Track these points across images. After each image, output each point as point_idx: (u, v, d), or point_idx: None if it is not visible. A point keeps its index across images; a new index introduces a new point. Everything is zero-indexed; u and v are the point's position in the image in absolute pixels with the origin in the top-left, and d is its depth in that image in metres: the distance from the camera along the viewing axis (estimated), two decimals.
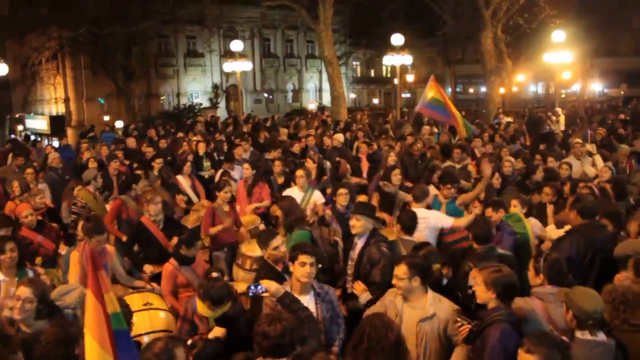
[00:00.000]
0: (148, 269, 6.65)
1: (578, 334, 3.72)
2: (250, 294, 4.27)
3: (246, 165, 9.27)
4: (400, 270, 4.41)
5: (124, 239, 7.44)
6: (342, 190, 7.45)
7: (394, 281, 4.49)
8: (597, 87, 47.81)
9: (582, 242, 5.41)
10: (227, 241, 7.67)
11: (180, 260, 5.91)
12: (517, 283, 4.11)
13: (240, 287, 5.33)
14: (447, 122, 13.94)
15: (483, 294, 4.05)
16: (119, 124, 28.72)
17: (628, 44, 43.05)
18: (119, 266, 6.33)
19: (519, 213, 6.49)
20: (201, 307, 4.57)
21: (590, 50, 34.17)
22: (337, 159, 10.71)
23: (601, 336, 3.67)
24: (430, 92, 12.83)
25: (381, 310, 4.50)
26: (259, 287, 4.22)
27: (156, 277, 6.50)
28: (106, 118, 36.84)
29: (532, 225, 6.48)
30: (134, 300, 5.27)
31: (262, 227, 8.01)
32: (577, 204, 5.72)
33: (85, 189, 8.73)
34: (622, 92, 41.63)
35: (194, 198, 9.62)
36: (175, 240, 6.83)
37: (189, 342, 4.07)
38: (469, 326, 4.07)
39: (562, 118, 20.39)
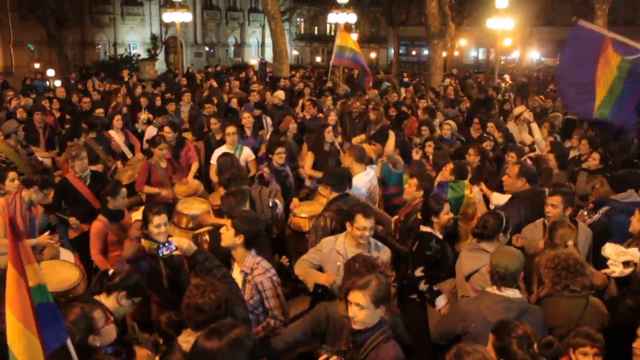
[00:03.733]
0: (73, 220, 6.44)
1: (488, 288, 3.92)
2: (161, 253, 3.97)
3: (166, 129, 8.45)
4: (367, 222, 4.62)
5: None
6: (279, 150, 7.32)
7: (365, 232, 4.65)
8: (534, 55, 48.90)
9: (527, 208, 5.50)
10: (162, 199, 7.40)
11: (109, 215, 5.68)
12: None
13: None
14: (360, 68, 14.26)
15: (369, 318, 3.37)
16: (51, 73, 27.35)
17: (566, 14, 44.06)
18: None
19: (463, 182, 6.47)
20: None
21: (530, 18, 34.77)
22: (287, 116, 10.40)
23: (509, 293, 3.79)
24: (339, 41, 13.01)
25: (317, 260, 4.82)
26: (171, 244, 3.93)
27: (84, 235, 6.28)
28: (37, 66, 34.95)
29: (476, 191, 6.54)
30: None
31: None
32: (525, 171, 5.77)
33: (6, 142, 8.25)
34: (557, 62, 42.73)
35: (128, 154, 9.22)
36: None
37: (111, 271, 3.88)
38: (336, 357, 3.41)
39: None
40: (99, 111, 10.39)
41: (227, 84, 15.66)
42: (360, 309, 3.34)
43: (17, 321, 2.45)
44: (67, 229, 6.68)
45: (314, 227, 5.58)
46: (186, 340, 3.27)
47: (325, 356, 3.38)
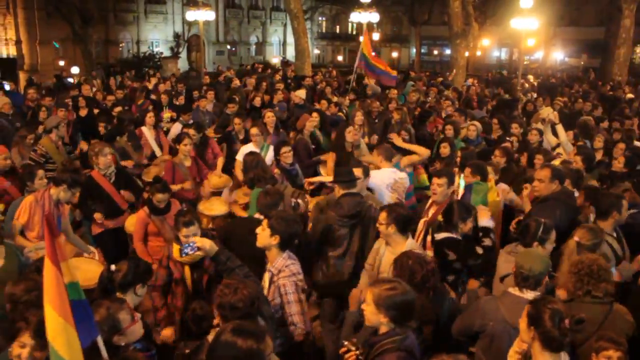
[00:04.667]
0: (98, 216, 6.58)
1: (510, 289, 3.95)
2: (184, 254, 4.03)
3: (191, 131, 8.38)
4: (381, 216, 4.77)
5: None
6: (285, 149, 7.36)
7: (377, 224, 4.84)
8: (558, 55, 48.33)
9: (562, 209, 5.46)
10: (187, 197, 7.49)
11: (152, 208, 5.93)
12: (414, 302, 3.46)
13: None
14: (377, 77, 14.06)
15: (372, 316, 3.40)
16: (75, 70, 27.74)
17: (591, 15, 43.58)
18: (70, 226, 6.30)
19: (487, 184, 6.44)
20: (176, 252, 4.58)
21: (555, 18, 34.41)
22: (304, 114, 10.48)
23: (530, 295, 3.77)
24: (362, 44, 13.04)
25: (373, 255, 5.03)
26: (193, 245, 3.96)
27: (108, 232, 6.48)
28: (61, 63, 35.44)
29: (502, 190, 6.52)
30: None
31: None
32: (557, 172, 5.75)
33: (47, 137, 8.37)
34: (582, 62, 42.20)
35: (158, 152, 9.30)
36: (127, 196, 6.80)
37: (113, 267, 3.97)
38: (356, 353, 3.46)
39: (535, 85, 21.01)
40: (118, 109, 10.54)
41: (264, 82, 15.66)
42: (366, 305, 3.42)
43: (58, 316, 2.51)
44: (91, 225, 6.82)
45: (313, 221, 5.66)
46: None
47: (345, 349, 3.47)
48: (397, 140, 7.92)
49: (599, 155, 8.36)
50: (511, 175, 7.43)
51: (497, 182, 6.74)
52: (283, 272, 4.24)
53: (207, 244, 3.99)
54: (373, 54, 13.54)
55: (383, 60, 13.59)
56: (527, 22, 20.09)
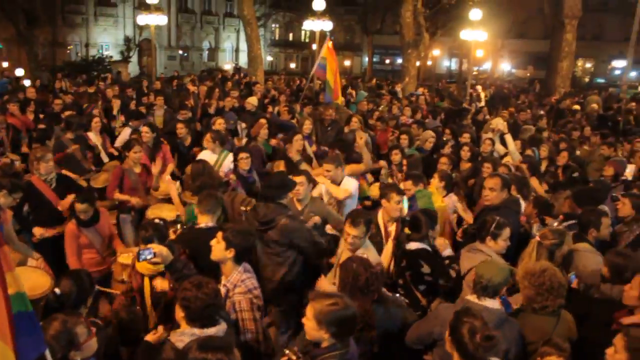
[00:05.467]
0: (38, 231, 6.35)
1: (469, 296, 3.98)
2: (141, 259, 3.99)
3: (145, 129, 8.34)
4: (360, 229, 4.68)
5: None
6: (242, 155, 7.30)
7: (348, 239, 4.72)
8: (505, 66, 49.70)
9: (513, 216, 5.57)
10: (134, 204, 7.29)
11: (78, 221, 5.77)
12: (356, 316, 3.42)
13: None
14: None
15: (313, 332, 3.33)
16: (19, 72, 26.88)
17: (537, 28, 44.94)
18: (13, 232, 6.02)
19: (428, 190, 6.53)
20: (139, 264, 4.43)
21: (503, 30, 35.37)
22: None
23: (488, 303, 3.82)
24: (323, 53, 12.92)
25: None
26: (150, 250, 3.95)
27: (48, 241, 6.29)
28: (5, 64, 34.29)
29: (451, 201, 6.61)
30: None
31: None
32: (506, 181, 5.88)
33: None
34: (528, 74, 43.51)
35: (105, 157, 9.08)
36: (68, 200, 6.50)
37: (58, 291, 3.83)
38: None
39: (482, 95, 21.42)
40: (67, 113, 10.26)
41: (217, 90, 15.39)
42: (306, 319, 3.35)
43: None
44: (31, 233, 6.54)
45: None
46: (180, 339, 3.30)
47: (286, 357, 3.40)
48: (358, 136, 7.94)
49: (544, 164, 8.61)
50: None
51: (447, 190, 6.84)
52: (239, 288, 4.10)
53: (164, 250, 3.99)
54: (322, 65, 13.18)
55: (337, 87, 13.16)
56: (476, 33, 20.66)
